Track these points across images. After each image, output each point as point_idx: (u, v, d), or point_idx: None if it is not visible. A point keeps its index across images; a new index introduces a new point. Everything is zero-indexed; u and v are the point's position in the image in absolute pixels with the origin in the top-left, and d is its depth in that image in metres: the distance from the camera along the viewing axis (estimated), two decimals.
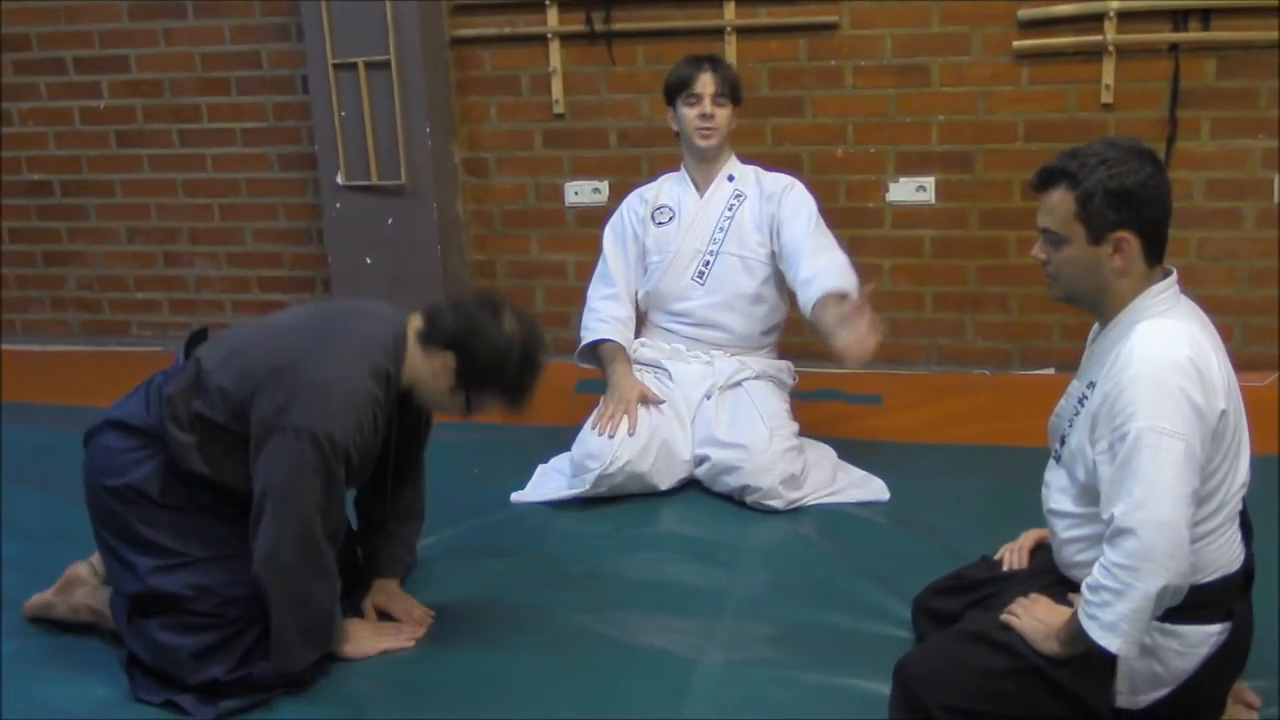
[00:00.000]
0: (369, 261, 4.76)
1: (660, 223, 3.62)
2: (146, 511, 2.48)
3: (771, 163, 4.41)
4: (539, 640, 2.69)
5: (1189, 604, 1.99)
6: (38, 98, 5.15)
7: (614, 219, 3.72)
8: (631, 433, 3.35)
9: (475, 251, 4.90)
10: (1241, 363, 4.14)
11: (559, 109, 4.63)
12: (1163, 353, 1.96)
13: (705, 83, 3.44)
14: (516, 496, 3.44)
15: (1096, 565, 1.96)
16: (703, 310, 3.56)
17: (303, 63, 4.71)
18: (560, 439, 3.64)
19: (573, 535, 3.23)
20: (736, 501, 3.32)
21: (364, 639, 2.64)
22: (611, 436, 3.34)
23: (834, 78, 4.39)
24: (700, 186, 3.59)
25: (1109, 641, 1.94)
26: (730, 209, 3.55)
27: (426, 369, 2.48)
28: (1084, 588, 1.98)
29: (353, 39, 4.51)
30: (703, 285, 3.55)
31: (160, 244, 5.22)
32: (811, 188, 4.38)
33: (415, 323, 2.52)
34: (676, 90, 3.49)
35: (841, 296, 3.19)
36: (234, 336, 2.58)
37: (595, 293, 3.69)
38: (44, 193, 5.26)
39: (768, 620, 2.72)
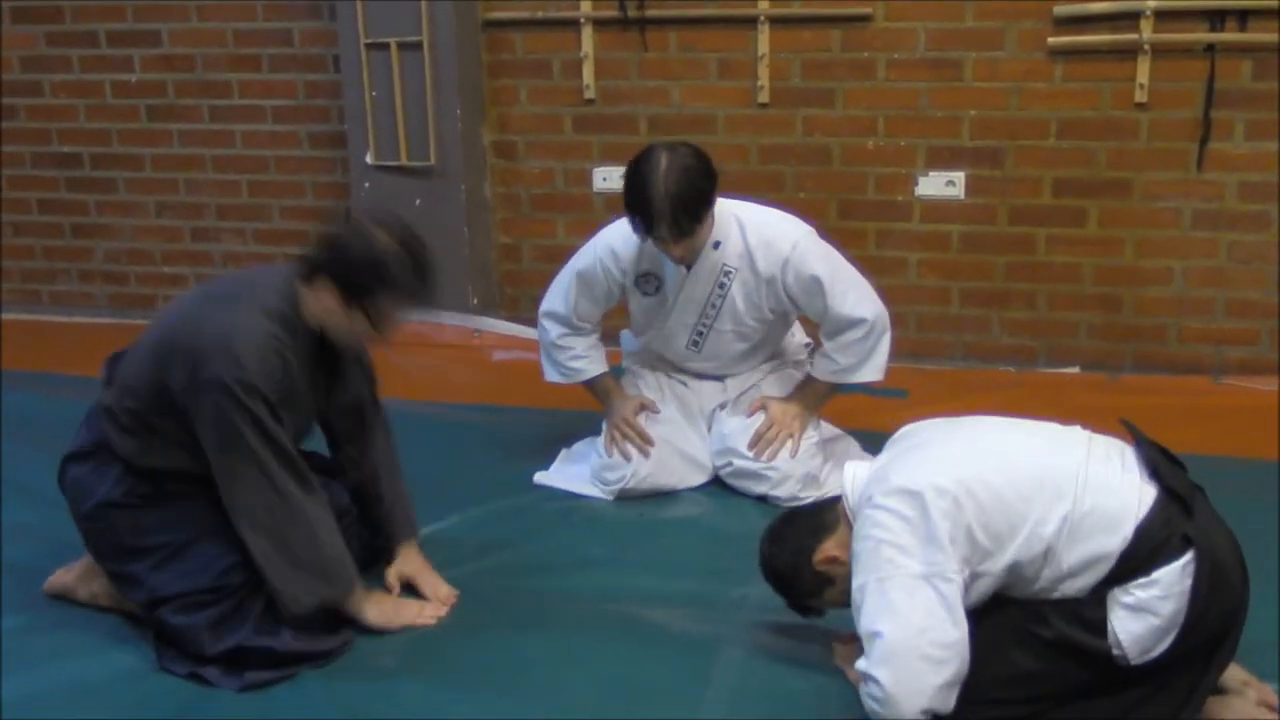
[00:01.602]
0: None
1: (646, 292, 3.33)
2: (125, 518, 2.54)
3: (801, 155, 4.47)
4: (561, 622, 2.70)
5: (1144, 554, 2.07)
6: (69, 70, 5.16)
7: (586, 271, 3.33)
8: (646, 450, 3.34)
9: (502, 234, 4.90)
10: (1267, 367, 4.18)
11: (590, 94, 4.63)
12: (860, 531, 2.19)
13: (664, 232, 2.98)
14: (540, 478, 3.45)
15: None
16: (703, 369, 3.48)
17: (335, 42, 4.72)
18: (583, 422, 3.65)
19: (597, 518, 3.24)
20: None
21: (387, 608, 2.66)
22: (628, 459, 3.33)
23: (866, 70, 4.37)
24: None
25: None
26: (721, 287, 3.23)
27: (318, 304, 2.49)
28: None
29: (385, 19, 4.52)
30: (699, 353, 3.42)
31: (188, 219, 5.23)
32: (838, 179, 4.44)
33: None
34: (636, 224, 3.04)
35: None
36: (139, 337, 2.64)
37: (556, 330, 3.40)
38: (74, 165, 5.28)
39: (790, 610, 2.71)
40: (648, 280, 3.31)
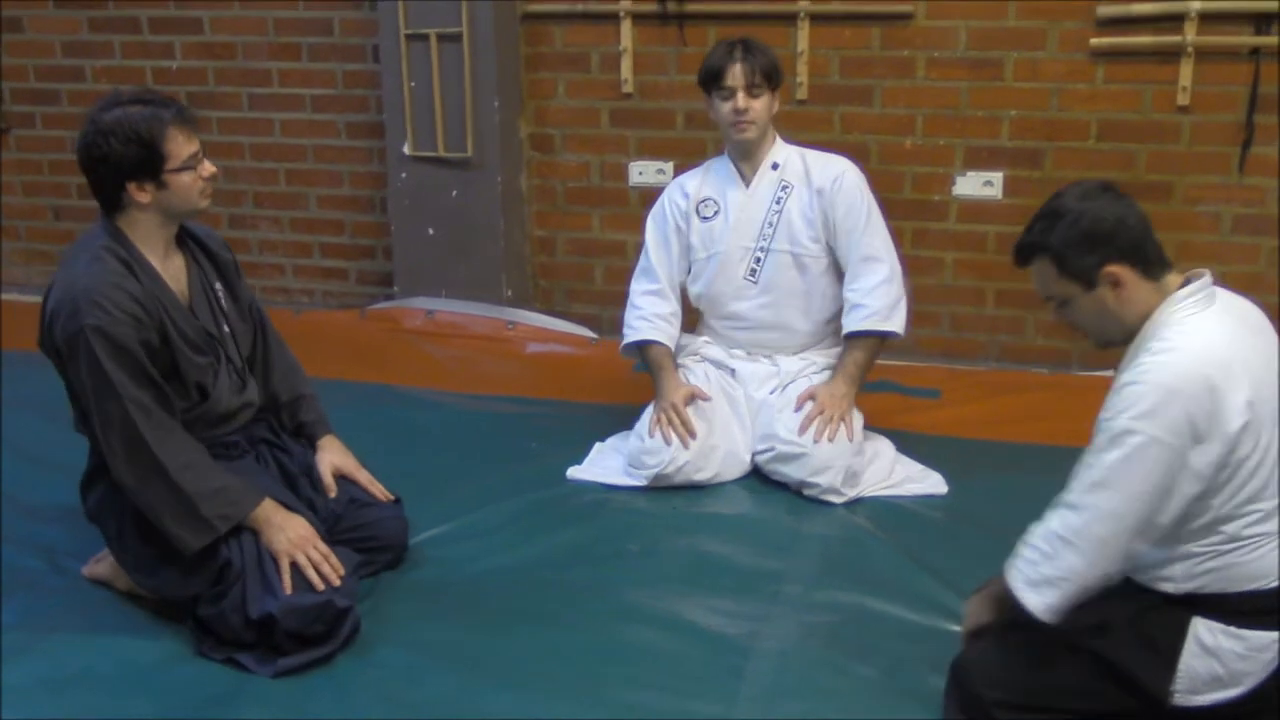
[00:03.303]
0: (431, 232, 4.78)
1: (705, 217, 3.53)
2: (134, 534, 2.58)
3: (838, 152, 4.43)
4: (594, 615, 2.71)
5: (1256, 609, 2.01)
6: (111, 56, 5.19)
7: (655, 210, 3.63)
8: (688, 440, 3.33)
9: (537, 227, 4.91)
10: None
11: (627, 88, 4.63)
12: (1172, 361, 1.99)
13: (736, 75, 3.30)
14: (573, 472, 3.46)
15: (1037, 528, 2.11)
16: (759, 312, 3.51)
17: (375, 31, 4.73)
18: (618, 417, 3.66)
19: (629, 513, 3.24)
20: (793, 491, 3.32)
21: (296, 529, 2.55)
22: (669, 443, 3.33)
23: (906, 68, 4.35)
24: (745, 177, 3.49)
25: (1027, 597, 2.07)
26: (778, 202, 3.45)
27: (145, 213, 2.53)
28: (1020, 545, 2.12)
29: (425, 10, 4.52)
30: (756, 284, 3.48)
31: (226, 206, 5.26)
32: (875, 177, 4.38)
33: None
34: (709, 82, 3.36)
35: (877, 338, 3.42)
36: None
37: (638, 287, 3.61)
38: None
39: (824, 609, 2.73)
40: (707, 205, 3.53)
